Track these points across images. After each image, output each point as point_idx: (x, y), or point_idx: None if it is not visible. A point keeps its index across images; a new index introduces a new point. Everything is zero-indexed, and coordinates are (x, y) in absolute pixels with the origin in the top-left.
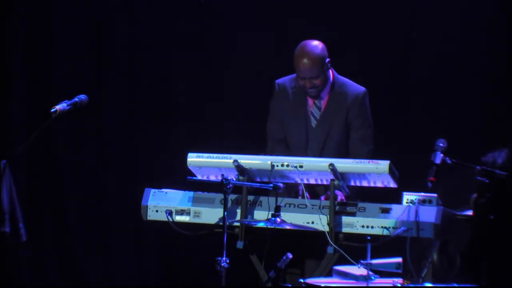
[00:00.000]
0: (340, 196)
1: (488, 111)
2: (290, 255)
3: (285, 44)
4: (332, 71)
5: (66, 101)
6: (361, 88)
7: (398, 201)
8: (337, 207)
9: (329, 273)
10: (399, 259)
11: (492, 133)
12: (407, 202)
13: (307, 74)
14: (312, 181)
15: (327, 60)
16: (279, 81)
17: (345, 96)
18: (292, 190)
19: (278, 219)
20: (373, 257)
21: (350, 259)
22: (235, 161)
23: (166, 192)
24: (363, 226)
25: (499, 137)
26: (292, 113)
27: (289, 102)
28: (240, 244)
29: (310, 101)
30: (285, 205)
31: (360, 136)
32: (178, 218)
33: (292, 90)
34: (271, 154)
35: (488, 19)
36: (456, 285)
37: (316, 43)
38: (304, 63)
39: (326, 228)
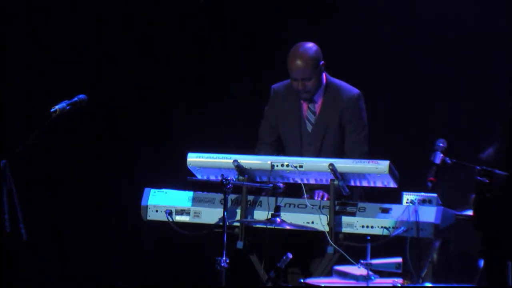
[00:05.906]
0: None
1: (489, 111)
2: (290, 255)
3: (286, 44)
4: (325, 74)
5: (66, 101)
6: (355, 90)
7: (398, 201)
8: (337, 207)
9: (329, 273)
10: (399, 259)
11: (492, 133)
12: (407, 202)
13: (299, 75)
14: (312, 181)
15: (321, 62)
16: (275, 86)
17: (339, 99)
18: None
19: (278, 219)
20: (373, 257)
21: (350, 259)
22: (235, 161)
23: (166, 192)
24: (363, 226)
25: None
26: (287, 119)
27: (284, 108)
28: (240, 244)
29: (304, 106)
30: (285, 205)
31: (355, 138)
32: (178, 218)
33: (287, 95)
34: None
35: (487, 17)
36: (456, 285)
37: (310, 44)
38: (297, 64)
39: (326, 228)
